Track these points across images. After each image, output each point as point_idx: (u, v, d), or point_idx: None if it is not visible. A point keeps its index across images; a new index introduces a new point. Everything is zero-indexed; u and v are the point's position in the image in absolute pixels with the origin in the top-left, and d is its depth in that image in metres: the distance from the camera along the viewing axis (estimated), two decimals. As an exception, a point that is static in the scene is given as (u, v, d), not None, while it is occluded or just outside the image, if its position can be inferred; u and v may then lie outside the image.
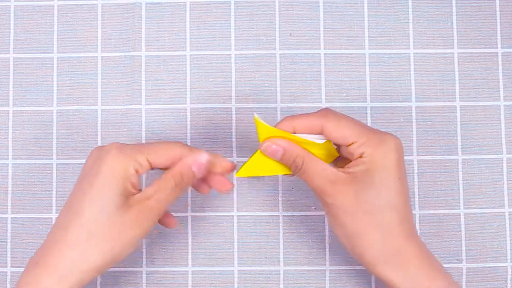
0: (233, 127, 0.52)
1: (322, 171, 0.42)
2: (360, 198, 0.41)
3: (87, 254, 0.40)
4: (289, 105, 0.52)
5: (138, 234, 0.41)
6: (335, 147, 0.43)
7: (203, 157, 0.42)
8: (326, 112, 0.43)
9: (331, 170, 0.42)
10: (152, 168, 0.42)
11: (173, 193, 0.42)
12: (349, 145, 0.42)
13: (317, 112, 0.44)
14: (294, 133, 0.43)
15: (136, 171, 0.41)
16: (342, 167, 0.42)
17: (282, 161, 0.43)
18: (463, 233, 0.51)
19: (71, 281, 0.40)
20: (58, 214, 0.43)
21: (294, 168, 0.43)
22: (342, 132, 0.42)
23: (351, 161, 0.42)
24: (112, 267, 0.41)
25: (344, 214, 0.41)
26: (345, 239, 0.42)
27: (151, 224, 0.41)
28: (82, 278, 0.40)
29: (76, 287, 0.40)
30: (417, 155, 0.52)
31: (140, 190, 0.42)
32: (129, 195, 0.41)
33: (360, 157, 0.41)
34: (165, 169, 0.43)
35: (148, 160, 0.41)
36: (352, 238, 0.42)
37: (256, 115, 0.42)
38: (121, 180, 0.40)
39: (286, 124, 0.43)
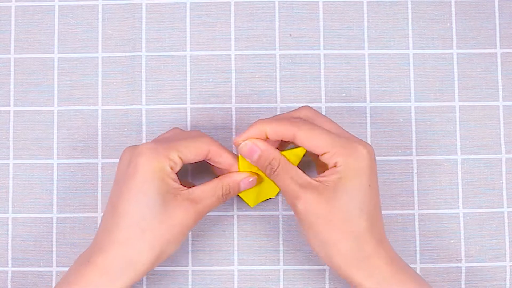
0: (233, 127, 0.52)
1: (296, 176, 0.42)
2: (332, 205, 0.41)
3: (141, 252, 0.41)
4: (289, 105, 0.52)
5: (182, 233, 0.43)
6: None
7: (252, 177, 0.45)
8: (301, 115, 0.44)
9: (305, 177, 0.42)
10: (183, 164, 0.43)
11: (218, 201, 0.44)
12: (322, 155, 0.42)
13: (290, 118, 0.44)
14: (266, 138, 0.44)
15: (171, 168, 0.42)
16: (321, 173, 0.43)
17: (257, 163, 0.44)
18: (462, 232, 0.51)
19: (124, 280, 0.41)
20: (102, 217, 0.44)
21: (269, 170, 0.43)
22: (314, 142, 0.42)
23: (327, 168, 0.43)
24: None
25: (316, 221, 0.42)
26: (318, 247, 0.42)
27: (194, 224, 0.43)
28: (134, 276, 0.41)
29: (128, 286, 0.41)
30: (416, 155, 0.52)
31: (181, 183, 0.43)
32: (175, 193, 0.42)
33: (334, 166, 0.42)
34: (194, 163, 0.45)
35: (180, 157, 0.43)
36: (325, 245, 0.42)
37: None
38: (160, 180, 0.42)
39: (258, 128, 0.43)
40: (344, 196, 0.41)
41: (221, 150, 0.45)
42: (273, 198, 0.50)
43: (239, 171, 0.45)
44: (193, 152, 0.43)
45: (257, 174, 0.46)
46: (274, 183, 0.44)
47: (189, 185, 0.48)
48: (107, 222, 0.42)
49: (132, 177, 0.42)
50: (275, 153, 0.43)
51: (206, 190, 0.44)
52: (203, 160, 0.45)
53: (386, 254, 0.42)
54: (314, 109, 0.46)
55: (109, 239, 0.41)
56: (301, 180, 0.42)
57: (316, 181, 0.42)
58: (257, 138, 0.43)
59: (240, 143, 0.44)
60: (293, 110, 0.46)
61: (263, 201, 0.51)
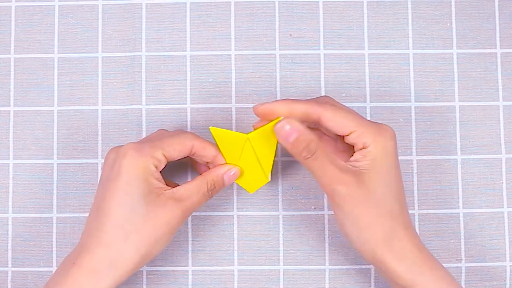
0: (233, 127, 0.52)
1: (334, 160, 0.41)
2: (369, 188, 0.41)
3: (125, 253, 0.41)
4: (289, 105, 0.52)
5: (169, 232, 0.43)
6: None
7: (234, 169, 0.45)
8: (324, 101, 0.43)
9: (342, 162, 0.41)
10: (168, 162, 0.43)
11: (204, 198, 0.44)
12: (348, 134, 0.42)
13: (315, 100, 0.43)
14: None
15: (156, 167, 0.42)
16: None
17: (293, 144, 0.41)
18: (462, 232, 0.51)
19: (108, 280, 0.41)
20: (87, 218, 0.44)
21: (306, 153, 0.41)
22: (340, 122, 0.41)
23: (351, 152, 0.42)
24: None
25: (354, 205, 0.41)
26: (353, 231, 0.42)
27: (181, 223, 0.43)
28: (119, 277, 0.41)
29: (113, 287, 0.41)
30: (416, 155, 0.52)
31: (166, 183, 0.43)
32: (158, 192, 0.42)
33: (364, 147, 0.41)
34: (178, 160, 0.44)
35: (164, 155, 0.43)
36: (361, 229, 0.41)
37: (211, 127, 0.44)
38: (144, 180, 0.42)
39: (283, 105, 0.42)
40: (378, 178, 0.41)
41: (204, 144, 0.44)
42: (269, 184, 0.49)
43: (225, 163, 0.45)
44: (177, 148, 0.43)
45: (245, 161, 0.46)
46: (309, 168, 0.42)
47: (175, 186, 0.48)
48: (92, 224, 0.42)
49: (116, 178, 0.42)
50: (313, 136, 0.41)
51: (190, 188, 0.43)
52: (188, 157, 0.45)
53: (415, 238, 0.42)
54: (334, 99, 0.45)
55: (94, 240, 0.41)
56: (339, 163, 0.41)
57: (352, 166, 0.41)
58: (290, 117, 0.41)
59: (260, 110, 0.42)
60: (314, 98, 0.45)
61: (261, 199, 0.51)
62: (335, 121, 0.41)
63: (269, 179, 0.46)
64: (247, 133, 0.44)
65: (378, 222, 0.41)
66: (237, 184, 0.48)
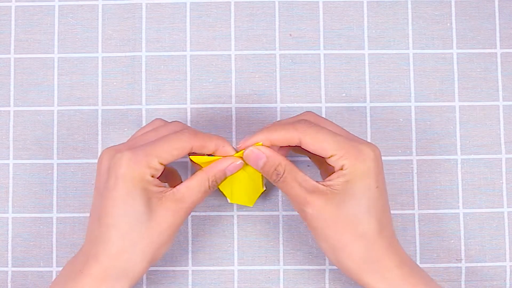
0: (233, 127, 0.52)
1: (303, 181, 0.42)
2: (340, 209, 0.41)
3: (134, 262, 0.41)
4: (289, 105, 0.52)
5: (173, 233, 0.42)
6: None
7: (237, 162, 0.44)
8: (304, 123, 0.43)
9: (312, 182, 0.42)
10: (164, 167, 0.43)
11: (206, 194, 0.44)
12: (329, 157, 0.42)
13: (294, 122, 0.44)
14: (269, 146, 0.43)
15: (153, 176, 0.42)
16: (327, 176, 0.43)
17: (263, 169, 0.43)
18: (462, 232, 0.51)
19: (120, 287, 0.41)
20: (89, 223, 0.43)
21: (275, 176, 0.43)
22: (320, 146, 0.42)
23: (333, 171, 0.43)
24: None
25: (325, 225, 0.42)
26: (328, 251, 0.42)
27: (183, 221, 0.43)
28: (129, 283, 0.41)
29: None
30: (416, 155, 0.52)
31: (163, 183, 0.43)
32: (159, 196, 0.42)
33: (341, 169, 0.42)
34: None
35: (160, 163, 0.42)
36: (335, 250, 0.42)
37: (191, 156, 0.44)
38: (142, 189, 0.41)
39: (263, 135, 0.43)
40: (352, 199, 0.41)
41: (203, 142, 0.43)
42: (266, 192, 0.49)
43: (227, 156, 0.44)
44: (175, 154, 0.42)
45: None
46: (281, 189, 0.44)
47: (174, 176, 0.47)
48: (95, 232, 0.42)
49: (114, 189, 0.41)
50: (280, 159, 0.43)
51: (192, 186, 0.43)
52: None
53: (397, 257, 0.42)
54: (317, 114, 0.45)
55: (101, 251, 0.41)
56: (308, 185, 0.42)
57: (323, 185, 0.42)
58: (262, 144, 0.43)
59: (244, 149, 0.43)
60: (296, 115, 0.46)
61: (261, 199, 0.51)
62: (314, 145, 0.42)
63: (264, 188, 0.47)
64: (231, 155, 0.44)
65: (353, 242, 0.41)
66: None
